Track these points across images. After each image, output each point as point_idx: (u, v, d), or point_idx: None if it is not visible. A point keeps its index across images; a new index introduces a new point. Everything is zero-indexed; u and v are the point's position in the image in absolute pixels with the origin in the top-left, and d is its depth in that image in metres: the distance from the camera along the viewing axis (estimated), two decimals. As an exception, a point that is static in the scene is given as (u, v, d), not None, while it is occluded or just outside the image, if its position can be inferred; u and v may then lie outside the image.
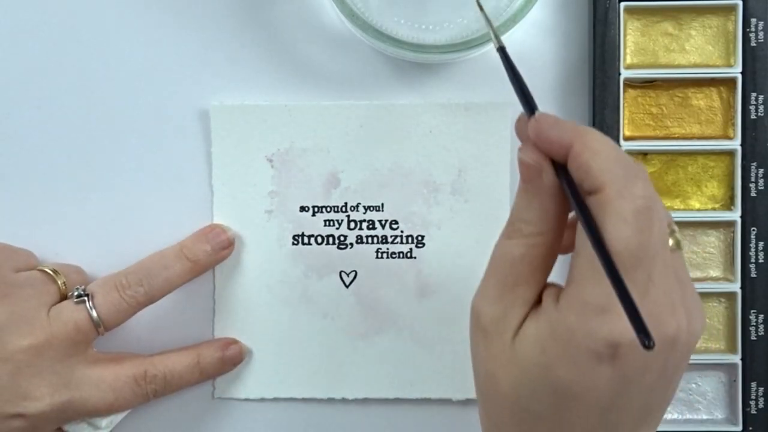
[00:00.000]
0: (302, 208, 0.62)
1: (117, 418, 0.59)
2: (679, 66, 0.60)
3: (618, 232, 0.43)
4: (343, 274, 0.62)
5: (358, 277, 0.62)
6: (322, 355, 0.62)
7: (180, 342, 0.62)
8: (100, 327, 0.57)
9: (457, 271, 0.61)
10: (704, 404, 0.61)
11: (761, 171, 0.60)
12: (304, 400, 0.63)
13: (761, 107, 0.59)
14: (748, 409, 0.60)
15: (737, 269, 0.60)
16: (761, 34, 0.59)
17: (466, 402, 0.62)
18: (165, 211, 0.62)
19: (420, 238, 0.62)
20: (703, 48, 0.60)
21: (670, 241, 0.47)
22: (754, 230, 0.60)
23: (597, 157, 0.44)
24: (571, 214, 0.48)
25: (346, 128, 0.61)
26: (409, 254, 0.62)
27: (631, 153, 0.60)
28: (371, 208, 0.62)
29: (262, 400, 0.63)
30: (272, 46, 0.62)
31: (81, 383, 0.57)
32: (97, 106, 0.62)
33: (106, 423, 0.59)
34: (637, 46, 0.60)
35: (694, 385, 0.61)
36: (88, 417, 0.59)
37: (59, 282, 0.59)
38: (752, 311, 0.60)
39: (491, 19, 0.54)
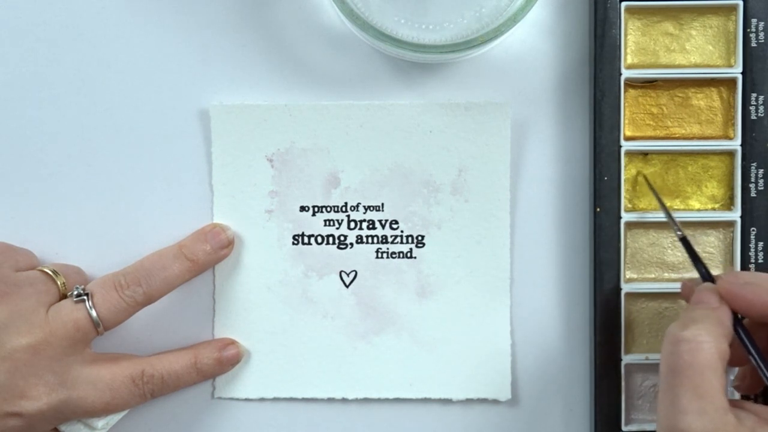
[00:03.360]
0: (302, 208, 0.62)
1: (114, 419, 0.59)
2: (679, 66, 0.60)
3: None
4: (343, 274, 0.62)
5: (358, 277, 0.62)
6: (322, 355, 0.62)
7: (180, 342, 0.62)
8: (99, 327, 0.57)
9: (457, 271, 0.61)
10: (704, 404, 0.61)
11: (761, 171, 0.60)
12: (304, 400, 0.63)
13: (761, 107, 0.59)
14: (749, 409, 0.60)
15: (737, 269, 0.60)
16: (762, 35, 0.59)
17: (466, 402, 0.62)
18: (165, 211, 0.62)
19: (420, 238, 0.62)
20: (704, 48, 0.60)
21: None
22: (753, 230, 0.60)
23: None
24: None
25: (346, 128, 0.61)
26: (409, 254, 0.62)
27: (632, 153, 0.60)
28: (371, 208, 0.62)
29: (262, 400, 0.63)
30: (272, 46, 0.62)
31: (78, 382, 0.57)
32: (97, 106, 0.62)
33: (102, 424, 0.59)
34: (638, 46, 0.60)
35: (694, 386, 0.61)
36: (85, 417, 0.59)
37: (59, 282, 0.59)
38: (752, 311, 0.60)
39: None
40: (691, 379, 0.48)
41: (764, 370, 0.51)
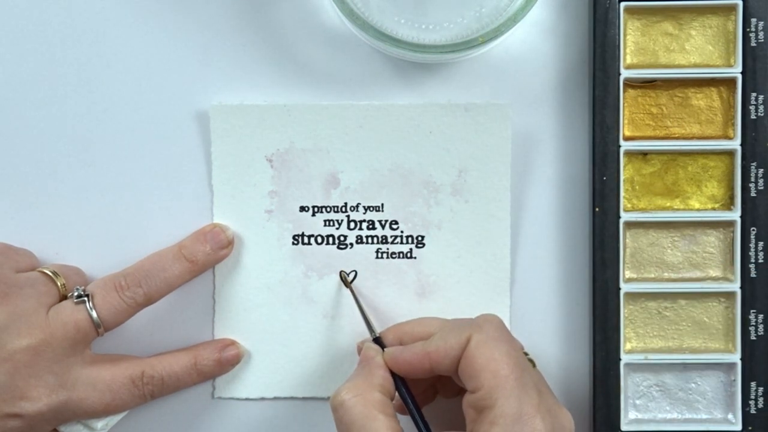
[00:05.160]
0: (302, 208, 0.62)
1: (113, 420, 0.59)
2: (679, 66, 0.60)
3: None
4: (343, 273, 0.62)
5: (358, 277, 0.62)
6: (322, 355, 0.62)
7: (180, 342, 0.62)
8: (100, 328, 0.57)
9: (457, 271, 0.61)
10: (704, 404, 0.61)
11: (761, 171, 0.60)
12: (304, 399, 0.63)
13: (761, 107, 0.59)
14: (748, 408, 0.60)
15: (737, 269, 0.60)
16: (761, 34, 0.59)
17: (466, 402, 0.62)
18: (165, 211, 0.62)
19: (420, 238, 0.62)
20: (703, 48, 0.60)
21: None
22: (753, 230, 0.60)
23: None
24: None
25: (345, 128, 0.61)
26: (409, 254, 0.62)
27: (631, 153, 0.60)
28: (371, 208, 0.62)
29: (262, 399, 0.63)
30: (272, 46, 0.62)
31: (78, 384, 0.57)
32: (97, 106, 0.62)
33: (101, 425, 0.59)
34: (637, 46, 0.60)
35: (693, 385, 0.61)
36: (85, 418, 0.59)
37: (59, 283, 0.59)
38: (752, 311, 0.60)
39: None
40: None
41: (421, 426, 0.56)
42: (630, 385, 0.61)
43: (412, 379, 0.57)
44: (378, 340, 0.58)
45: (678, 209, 0.61)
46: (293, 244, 0.62)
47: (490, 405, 0.52)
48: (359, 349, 0.59)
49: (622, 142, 0.60)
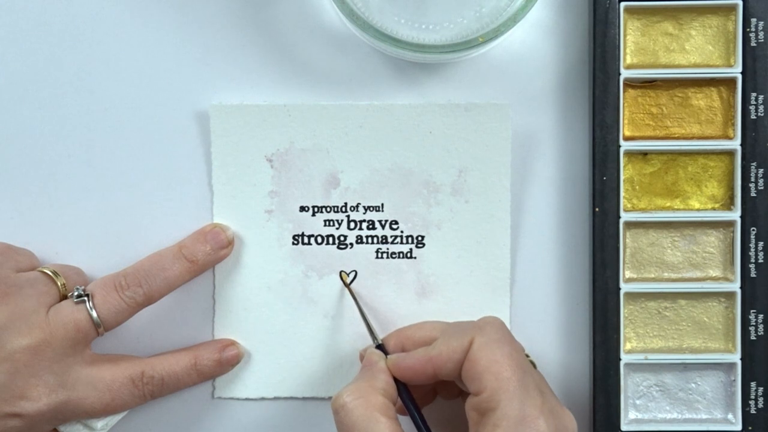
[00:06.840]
0: (302, 208, 0.62)
1: (113, 419, 0.59)
2: (679, 66, 0.60)
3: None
4: (343, 274, 0.62)
5: (358, 277, 0.62)
6: (322, 355, 0.62)
7: (180, 342, 0.62)
8: (100, 327, 0.57)
9: (457, 271, 0.62)
10: (704, 404, 0.61)
11: (761, 171, 0.60)
12: (304, 399, 0.63)
13: (761, 107, 0.59)
14: (748, 408, 0.60)
15: (737, 269, 0.60)
16: (761, 34, 0.59)
17: (466, 402, 0.62)
18: (165, 211, 0.62)
19: (420, 238, 0.62)
20: (703, 48, 0.60)
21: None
22: (753, 230, 0.60)
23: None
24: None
25: (345, 128, 0.61)
26: (409, 254, 0.62)
27: (631, 153, 0.60)
28: (371, 208, 0.62)
29: (262, 399, 0.63)
30: (272, 46, 0.62)
31: (78, 383, 0.57)
32: (97, 106, 0.62)
33: (101, 425, 0.59)
34: (637, 46, 0.60)
35: (693, 385, 0.61)
36: (85, 417, 0.59)
37: (59, 283, 0.59)
38: (752, 311, 0.60)
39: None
40: None
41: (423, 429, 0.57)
42: (630, 385, 0.61)
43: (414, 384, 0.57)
44: (380, 347, 0.58)
45: (678, 209, 0.61)
46: (293, 244, 0.62)
47: (493, 407, 0.52)
48: (361, 356, 0.59)
49: (622, 142, 0.60)
